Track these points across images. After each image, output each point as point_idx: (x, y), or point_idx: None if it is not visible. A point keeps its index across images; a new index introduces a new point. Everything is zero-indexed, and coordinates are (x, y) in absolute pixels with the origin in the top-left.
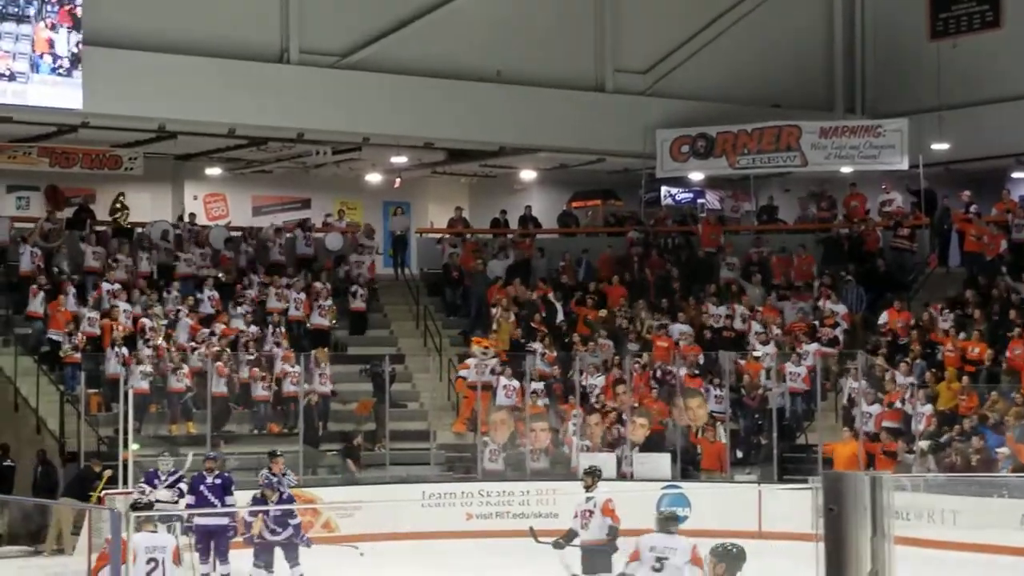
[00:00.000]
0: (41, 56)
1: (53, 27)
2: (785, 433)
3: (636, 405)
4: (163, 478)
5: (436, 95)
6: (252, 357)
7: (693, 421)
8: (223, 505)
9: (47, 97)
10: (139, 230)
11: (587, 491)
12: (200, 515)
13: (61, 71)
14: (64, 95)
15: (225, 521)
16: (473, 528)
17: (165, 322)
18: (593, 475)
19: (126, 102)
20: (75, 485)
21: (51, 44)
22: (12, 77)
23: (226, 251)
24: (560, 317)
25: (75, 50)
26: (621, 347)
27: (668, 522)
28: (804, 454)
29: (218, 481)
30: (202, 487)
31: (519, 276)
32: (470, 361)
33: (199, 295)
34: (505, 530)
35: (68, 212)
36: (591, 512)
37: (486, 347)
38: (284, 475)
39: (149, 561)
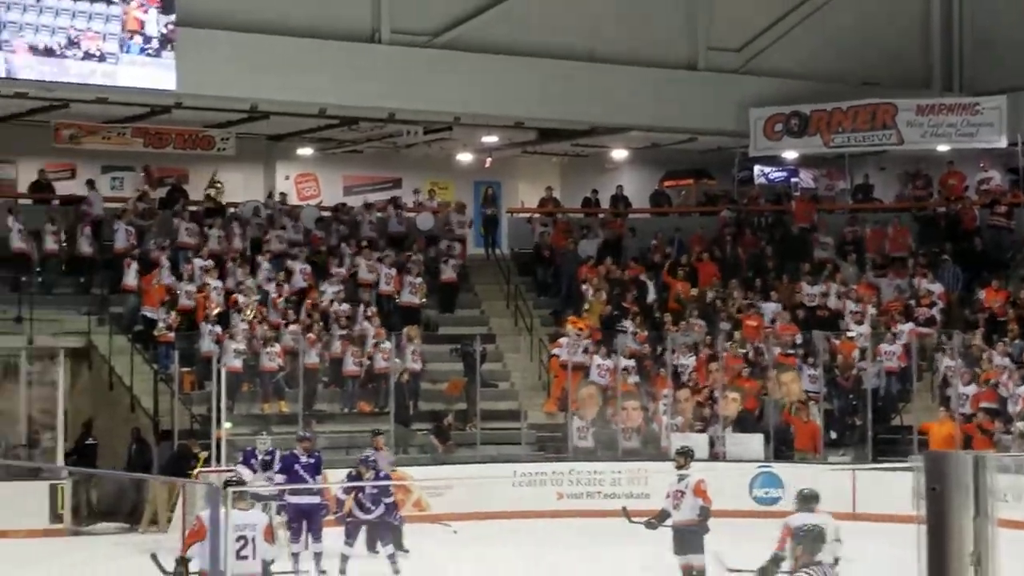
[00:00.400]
0: (131, 37)
1: (144, 8)
2: (880, 414)
3: (727, 383)
4: (260, 458)
5: (527, 74)
6: (344, 332)
7: (787, 396)
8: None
9: (140, 78)
10: (231, 209)
11: (679, 471)
12: (293, 492)
13: (150, 52)
14: (157, 76)
15: (317, 500)
16: (564, 508)
17: (257, 297)
18: (686, 455)
19: (219, 83)
20: (171, 464)
21: (142, 25)
22: (103, 58)
23: (317, 230)
24: (651, 296)
25: (165, 31)
26: (713, 326)
27: (809, 500)
28: (899, 435)
29: (311, 460)
30: (296, 466)
31: (610, 256)
32: (563, 340)
33: (290, 267)
34: (596, 510)
35: (161, 192)
36: (683, 492)
37: (580, 328)
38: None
39: (239, 539)
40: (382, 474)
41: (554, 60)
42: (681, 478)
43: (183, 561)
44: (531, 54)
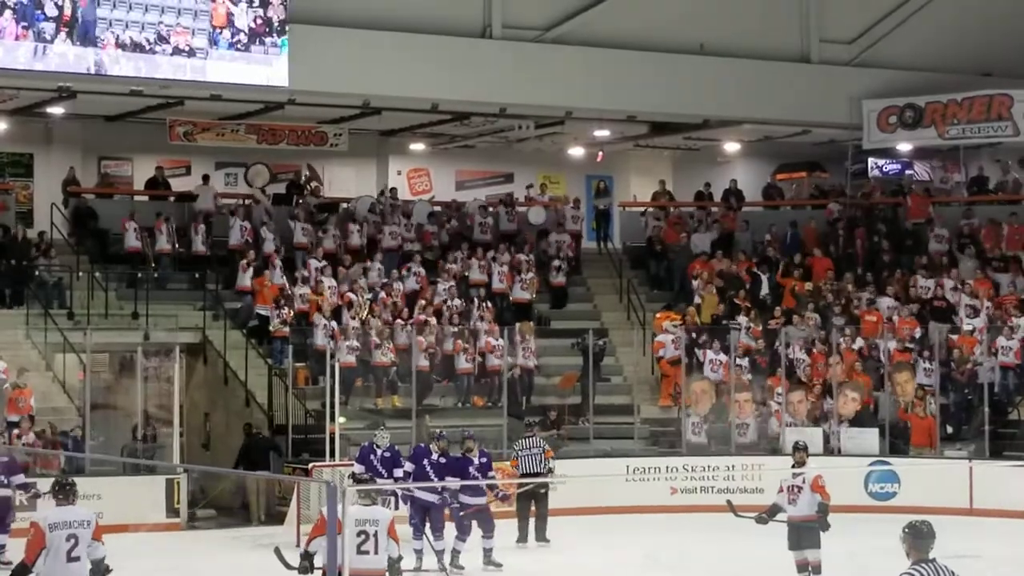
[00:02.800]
0: (220, 31)
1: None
2: (996, 408)
3: (844, 380)
4: (379, 453)
5: (639, 68)
6: (456, 329)
7: (902, 396)
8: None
9: (253, 75)
10: (344, 205)
11: (796, 466)
12: (418, 489)
13: (239, 46)
14: (270, 73)
15: (437, 498)
16: (677, 503)
17: (370, 296)
18: (803, 450)
19: (331, 79)
20: (244, 456)
21: (230, 19)
22: (192, 53)
23: (429, 226)
24: (765, 291)
25: (252, 24)
26: (827, 321)
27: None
28: (1016, 430)
29: (443, 460)
30: (425, 461)
31: (723, 250)
32: (662, 338)
33: (405, 270)
34: (710, 505)
35: (279, 187)
36: (800, 488)
37: (675, 321)
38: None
39: (359, 534)
40: (485, 461)
41: (666, 53)
42: (797, 474)
43: (307, 555)
44: (642, 47)
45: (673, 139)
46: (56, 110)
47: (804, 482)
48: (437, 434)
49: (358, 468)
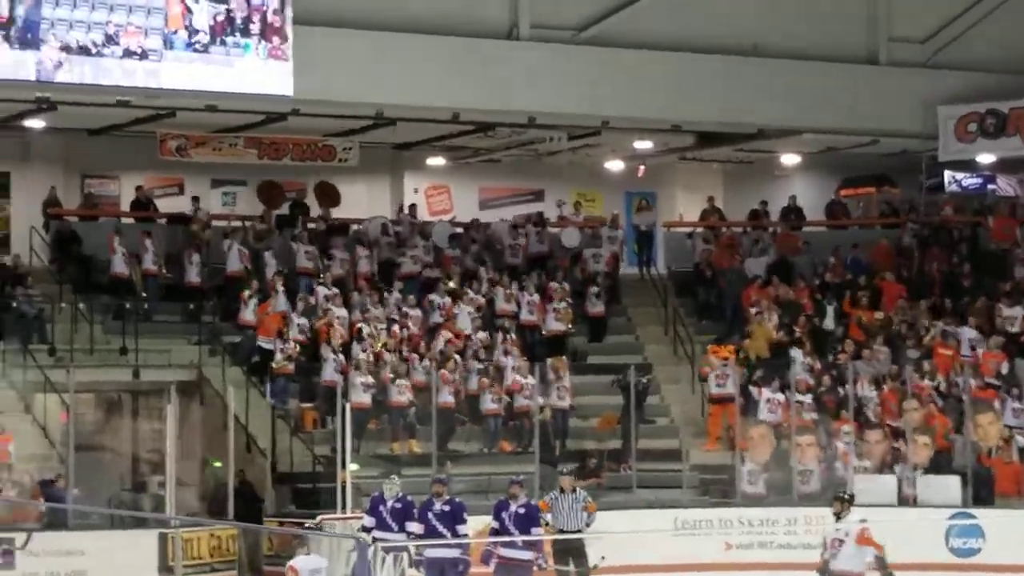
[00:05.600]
0: (176, 31)
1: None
2: None
3: (917, 425)
4: (389, 504)
5: (684, 72)
6: (481, 366)
7: (984, 440)
8: (454, 535)
9: (254, 83)
10: (355, 226)
11: (837, 518)
12: (430, 546)
13: (197, 47)
14: (272, 80)
15: (456, 553)
16: (732, 560)
17: (384, 327)
18: (842, 501)
19: (340, 87)
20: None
21: (186, 14)
22: (145, 56)
23: (450, 249)
24: (829, 320)
25: (212, 23)
26: (899, 354)
27: None
28: None
29: (447, 508)
30: (429, 514)
31: (781, 274)
32: (706, 371)
33: (428, 303)
34: (769, 562)
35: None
36: (842, 541)
37: (725, 357)
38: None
39: None
40: (533, 503)
41: (715, 55)
42: (839, 528)
43: None
44: (688, 49)
45: (724, 151)
46: (34, 123)
47: (847, 535)
48: (436, 478)
49: (368, 521)
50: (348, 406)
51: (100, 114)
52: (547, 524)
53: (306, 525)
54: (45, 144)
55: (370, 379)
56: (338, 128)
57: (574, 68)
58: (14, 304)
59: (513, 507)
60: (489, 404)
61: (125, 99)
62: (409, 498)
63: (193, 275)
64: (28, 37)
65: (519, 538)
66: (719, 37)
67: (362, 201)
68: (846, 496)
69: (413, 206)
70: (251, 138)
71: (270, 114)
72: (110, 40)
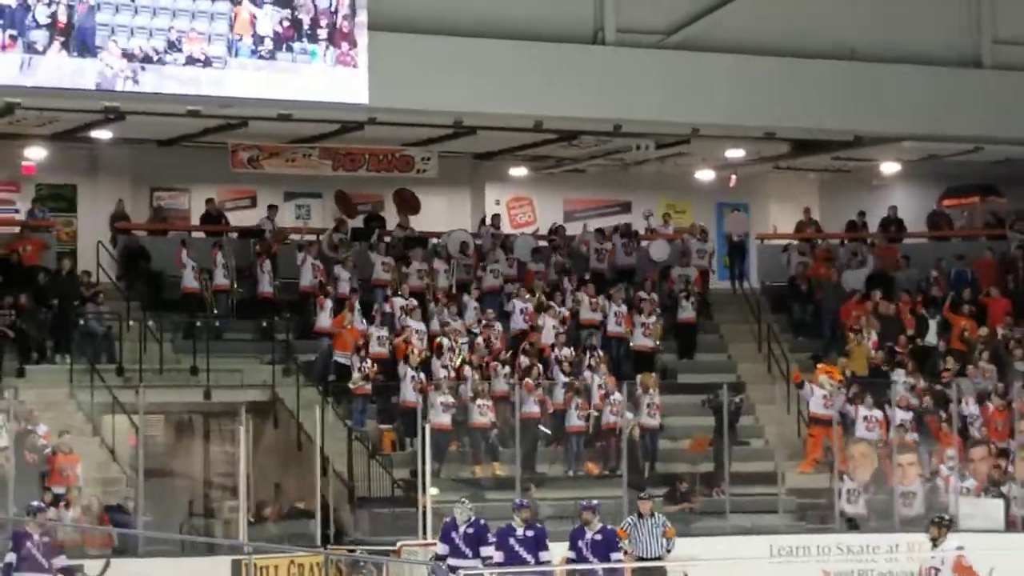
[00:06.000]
0: (241, 38)
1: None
2: None
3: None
4: (461, 530)
5: (778, 77)
6: (567, 380)
7: None
8: (536, 562)
9: (327, 91)
10: (434, 241)
11: (934, 545)
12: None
13: (297, 52)
14: (347, 88)
15: None
16: None
17: (465, 340)
18: (939, 525)
19: (417, 94)
20: None
21: (253, 22)
22: (208, 62)
23: (533, 263)
24: (931, 336)
25: (280, 28)
26: (1007, 371)
27: None
28: None
29: (530, 533)
30: (511, 540)
31: (881, 288)
32: (812, 389)
33: (513, 304)
34: None
35: (357, 221)
36: (938, 570)
37: (837, 379)
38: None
39: None
40: (610, 528)
41: (809, 60)
42: (935, 553)
43: None
44: (782, 53)
45: (820, 159)
46: (102, 134)
47: (943, 563)
48: (519, 503)
49: (441, 548)
50: (428, 428)
51: (169, 124)
52: (626, 551)
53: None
54: (113, 156)
55: (450, 399)
56: (416, 137)
57: (662, 73)
58: (82, 322)
59: (589, 534)
60: (575, 421)
61: (195, 108)
62: (482, 521)
63: (266, 285)
64: (85, 44)
65: (599, 566)
66: (814, 40)
67: (441, 213)
68: (944, 521)
69: (496, 216)
70: (326, 148)
71: (345, 123)
72: (172, 47)
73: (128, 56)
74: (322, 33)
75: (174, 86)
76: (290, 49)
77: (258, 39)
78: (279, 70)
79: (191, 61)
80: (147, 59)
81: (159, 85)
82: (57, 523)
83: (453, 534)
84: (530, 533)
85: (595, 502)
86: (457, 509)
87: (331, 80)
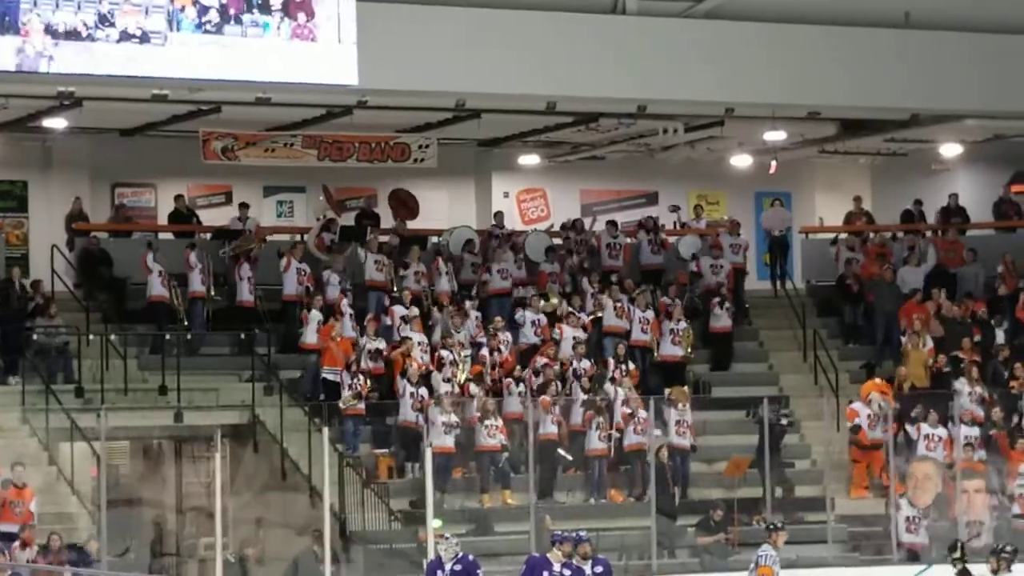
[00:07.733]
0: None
1: None
2: None
3: None
4: (448, 567)
5: (822, 48)
6: (585, 396)
7: None
8: None
9: (312, 72)
10: (434, 239)
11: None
12: None
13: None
14: (334, 68)
15: None
16: None
17: (469, 353)
18: (1000, 557)
19: (413, 73)
20: None
21: None
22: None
23: (546, 263)
24: (1000, 341)
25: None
26: None
27: None
28: None
29: (567, 573)
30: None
31: (942, 287)
32: (856, 407)
33: (519, 316)
34: None
35: (347, 218)
36: None
37: (887, 395)
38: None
39: None
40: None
41: (858, 28)
42: None
43: None
44: (827, 21)
45: (871, 141)
46: (55, 123)
47: None
48: (561, 535)
49: None
50: (429, 451)
51: (131, 111)
52: None
53: None
54: (68, 148)
55: (453, 418)
56: (413, 123)
57: (691, 46)
58: (34, 337)
59: (557, 567)
60: (596, 443)
61: (162, 93)
62: (471, 557)
63: (245, 292)
64: (6, 21)
65: None
66: (863, 6)
67: (442, 208)
68: (1006, 552)
69: (499, 214)
70: (310, 136)
71: (331, 108)
72: (104, 21)
73: (51, 32)
74: (275, 3)
75: (107, 66)
76: (239, 22)
77: (203, 10)
78: (225, 45)
79: (125, 37)
80: (74, 34)
81: (88, 65)
82: (10, 565)
83: (439, 572)
84: (567, 572)
85: (586, 535)
86: (442, 546)
87: (288, 57)
